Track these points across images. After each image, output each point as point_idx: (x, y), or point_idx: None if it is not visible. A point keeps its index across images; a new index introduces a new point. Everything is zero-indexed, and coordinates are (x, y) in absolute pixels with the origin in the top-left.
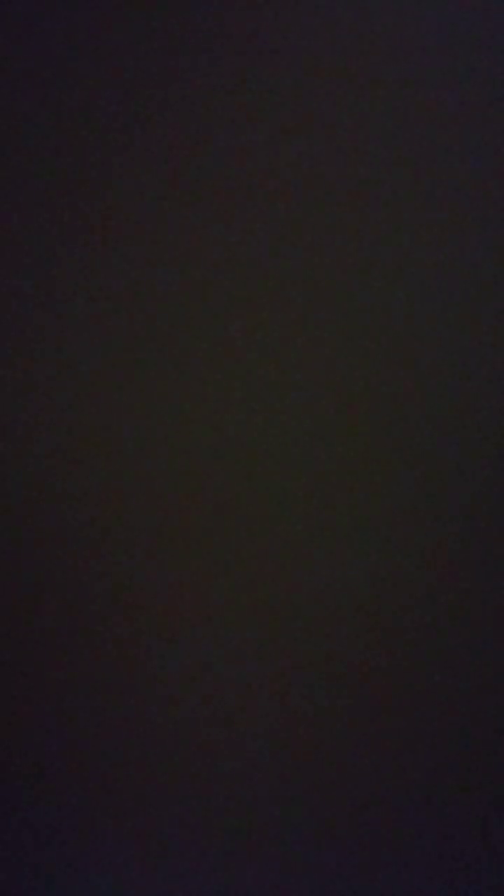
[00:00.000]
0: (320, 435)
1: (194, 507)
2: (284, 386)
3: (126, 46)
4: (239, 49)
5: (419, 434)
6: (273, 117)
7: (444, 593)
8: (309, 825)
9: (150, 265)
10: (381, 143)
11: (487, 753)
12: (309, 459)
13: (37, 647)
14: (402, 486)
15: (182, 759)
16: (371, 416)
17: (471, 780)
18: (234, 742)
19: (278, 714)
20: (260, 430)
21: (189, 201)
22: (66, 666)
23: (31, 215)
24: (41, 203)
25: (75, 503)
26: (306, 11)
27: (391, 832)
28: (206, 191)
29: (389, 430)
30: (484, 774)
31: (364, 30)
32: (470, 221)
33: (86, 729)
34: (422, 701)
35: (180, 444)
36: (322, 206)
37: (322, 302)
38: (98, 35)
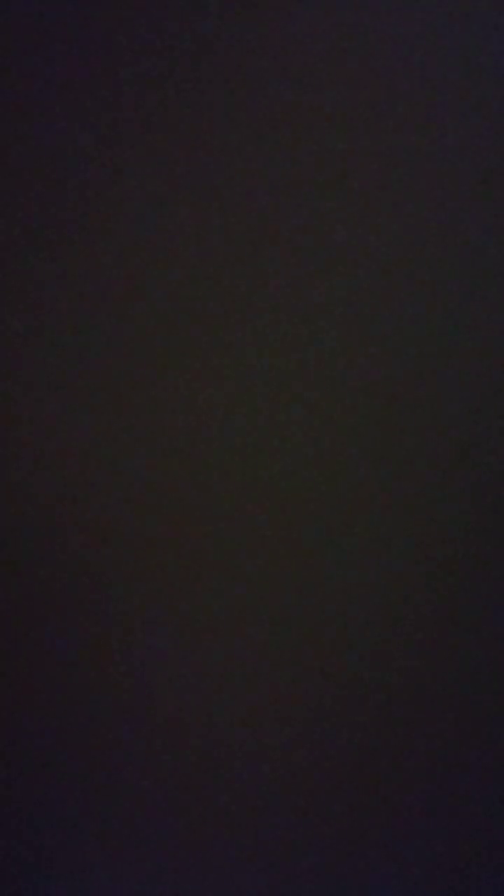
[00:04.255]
0: (320, 437)
1: (194, 509)
2: (285, 388)
3: (126, 46)
4: (240, 48)
5: (420, 436)
6: (273, 117)
7: (445, 596)
8: (308, 827)
9: (150, 265)
10: (381, 143)
11: (489, 755)
12: (309, 460)
13: (36, 651)
14: (403, 488)
15: (181, 761)
16: (371, 417)
17: (471, 780)
18: (234, 743)
19: (278, 717)
20: (260, 433)
21: (189, 202)
22: (66, 668)
23: (30, 219)
24: (41, 205)
25: (75, 504)
26: (306, 13)
27: (392, 835)
28: (207, 190)
29: (390, 432)
30: (485, 775)
31: (364, 30)
32: (470, 220)
33: (85, 730)
34: (422, 705)
35: (180, 445)
36: (322, 207)
37: (322, 304)
38: (98, 35)
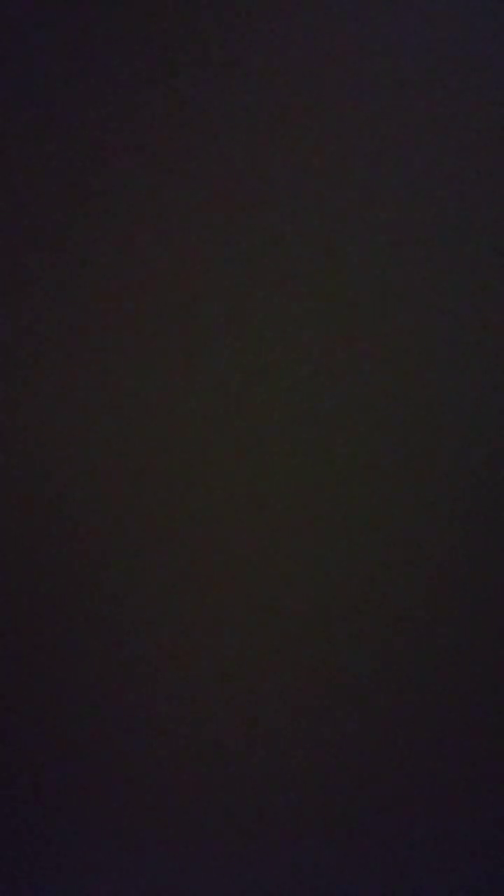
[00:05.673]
0: (319, 439)
1: (193, 512)
2: (284, 390)
3: (126, 46)
4: (239, 48)
5: (419, 438)
6: (273, 117)
7: (444, 598)
8: (308, 827)
9: (150, 266)
10: (380, 143)
11: (488, 756)
12: (308, 462)
13: (36, 656)
14: (402, 491)
15: (182, 766)
16: (371, 419)
17: (471, 782)
18: (234, 743)
19: (278, 721)
20: (259, 435)
21: (189, 202)
22: (67, 672)
23: (29, 220)
24: (41, 207)
25: (74, 507)
26: (306, 14)
27: (392, 839)
28: (207, 190)
29: (389, 433)
30: (485, 776)
31: (364, 31)
32: (470, 220)
33: (86, 735)
34: (422, 706)
35: (180, 446)
36: (322, 207)
37: (322, 307)
38: (98, 35)
